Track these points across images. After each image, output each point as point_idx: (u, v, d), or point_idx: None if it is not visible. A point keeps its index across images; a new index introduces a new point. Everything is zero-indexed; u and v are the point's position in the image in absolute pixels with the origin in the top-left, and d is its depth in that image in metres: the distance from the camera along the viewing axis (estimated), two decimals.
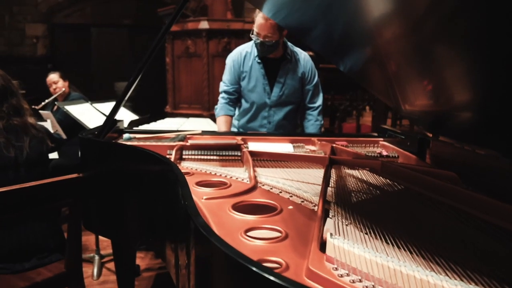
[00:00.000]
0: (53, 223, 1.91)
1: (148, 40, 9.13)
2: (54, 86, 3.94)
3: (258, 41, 2.42)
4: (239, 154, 1.78)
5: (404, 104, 1.85)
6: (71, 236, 1.75)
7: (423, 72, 1.55)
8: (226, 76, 2.61)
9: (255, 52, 2.56)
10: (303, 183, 1.39)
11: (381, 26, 1.43)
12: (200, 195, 1.15)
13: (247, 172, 1.55)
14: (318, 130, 2.68)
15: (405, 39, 1.42)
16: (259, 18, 2.36)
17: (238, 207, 1.08)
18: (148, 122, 3.33)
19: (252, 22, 6.31)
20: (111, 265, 2.80)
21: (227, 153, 1.77)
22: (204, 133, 2.13)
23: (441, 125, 1.79)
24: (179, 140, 1.92)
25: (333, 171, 1.48)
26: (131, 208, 1.51)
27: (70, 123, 3.45)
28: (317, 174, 1.52)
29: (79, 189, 1.69)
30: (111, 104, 3.33)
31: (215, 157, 1.76)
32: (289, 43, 2.59)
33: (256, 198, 1.17)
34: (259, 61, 2.54)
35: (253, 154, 1.59)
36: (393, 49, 1.57)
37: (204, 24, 5.79)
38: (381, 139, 2.21)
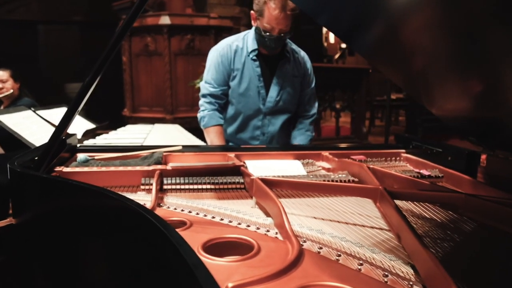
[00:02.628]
0: None
1: (102, 38, 8.41)
2: (1, 85, 3.29)
3: (272, 37, 1.92)
4: (240, 180, 1.30)
5: (431, 108, 1.46)
6: None
7: (463, 69, 1.17)
8: (212, 74, 2.08)
9: (248, 46, 2.06)
10: (347, 226, 0.94)
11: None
12: (221, 278, 0.66)
13: (258, 209, 1.08)
14: (308, 142, 2.24)
15: (443, 29, 1.03)
16: (273, 9, 1.85)
17: None
18: (106, 131, 2.79)
19: (219, 18, 5.74)
20: None
21: (224, 180, 1.29)
22: (186, 148, 1.63)
23: (494, 135, 1.41)
24: (156, 162, 1.42)
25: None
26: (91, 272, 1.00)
27: (7, 134, 2.84)
28: (355, 209, 1.08)
29: (12, 241, 1.15)
30: (59, 111, 2.77)
31: (209, 186, 1.27)
32: (288, 40, 2.12)
33: (319, 279, 0.70)
34: (254, 58, 2.05)
35: (268, 183, 1.11)
36: (423, 41, 1.17)
37: (165, 19, 5.24)
38: (403, 150, 1.80)
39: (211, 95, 2.08)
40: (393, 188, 1.06)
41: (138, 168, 1.33)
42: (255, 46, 2.04)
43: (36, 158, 1.18)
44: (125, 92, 6.09)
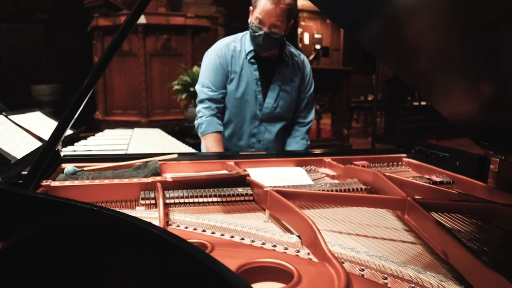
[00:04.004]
0: None
1: (68, 37, 8.10)
2: None
3: (261, 32, 1.82)
4: (248, 192, 1.20)
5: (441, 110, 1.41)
6: None
7: (474, 70, 1.12)
8: (209, 77, 1.95)
9: (246, 48, 1.95)
10: (377, 241, 0.86)
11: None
12: None
13: (272, 223, 0.99)
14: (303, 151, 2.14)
15: (449, 31, 0.99)
16: (265, 1, 1.76)
17: None
18: (84, 136, 2.63)
19: (196, 17, 5.62)
20: None
21: (231, 193, 1.19)
22: (181, 156, 1.52)
23: (507, 139, 1.36)
24: (153, 173, 1.30)
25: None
26: None
27: None
28: (376, 221, 1.01)
29: None
30: (33, 115, 2.58)
31: (215, 199, 1.17)
32: (287, 42, 2.03)
33: None
34: (252, 60, 1.94)
35: (285, 195, 1.02)
36: (433, 40, 1.12)
37: (140, 19, 5.05)
38: (404, 155, 1.75)
39: (210, 99, 1.95)
40: (421, 198, 0.99)
41: (135, 180, 1.21)
42: (252, 47, 1.94)
43: (23, 172, 1.05)
44: (96, 94, 5.86)
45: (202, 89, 1.98)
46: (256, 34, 1.83)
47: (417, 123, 6.39)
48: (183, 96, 4.58)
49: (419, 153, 1.72)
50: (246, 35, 1.98)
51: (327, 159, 1.62)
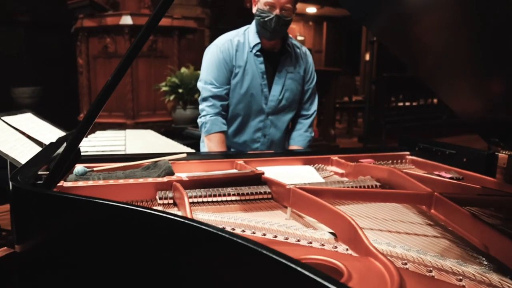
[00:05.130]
0: None
1: (49, 39, 7.94)
2: None
3: (272, 15, 1.80)
4: (266, 190, 1.19)
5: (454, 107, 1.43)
6: None
7: (486, 69, 1.15)
8: (213, 73, 1.91)
9: (250, 41, 1.93)
10: (409, 236, 0.86)
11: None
12: None
13: (293, 220, 0.99)
14: (306, 144, 2.14)
15: (459, 29, 1.01)
16: None
17: None
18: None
19: (183, 18, 5.55)
20: None
21: (250, 191, 1.17)
22: (190, 156, 1.50)
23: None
24: (167, 173, 1.28)
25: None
26: None
27: None
28: (398, 216, 1.01)
29: (14, 272, 0.97)
30: (25, 117, 2.51)
31: (234, 198, 1.15)
32: (289, 36, 2.03)
33: None
34: (258, 53, 1.92)
35: (310, 193, 1.01)
36: (439, 40, 1.15)
37: (126, 20, 5.00)
38: (407, 153, 1.76)
39: (214, 96, 1.92)
40: (449, 193, 1.00)
41: (150, 180, 1.18)
42: (258, 40, 1.92)
43: (38, 172, 1.01)
44: (81, 96, 5.75)
45: (205, 86, 1.94)
46: (267, 18, 1.81)
47: (402, 123, 6.50)
48: (171, 97, 4.53)
49: (423, 151, 1.74)
50: (248, 29, 1.97)
51: (334, 157, 1.62)
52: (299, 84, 2.04)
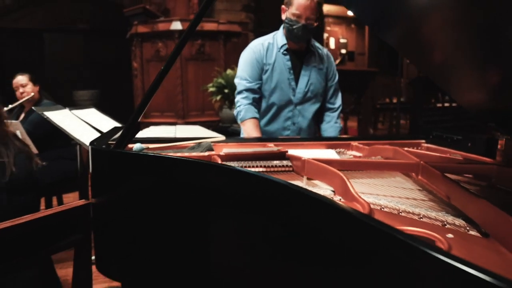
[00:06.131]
0: (48, 268, 1.47)
1: (105, 45, 8.59)
2: (21, 89, 3.33)
3: (299, 25, 2.11)
4: (288, 164, 1.45)
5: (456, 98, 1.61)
6: (79, 285, 1.34)
7: (486, 62, 1.31)
8: (247, 71, 2.26)
9: (278, 43, 2.27)
10: (408, 200, 1.08)
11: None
12: None
13: (313, 187, 1.23)
14: (338, 134, 2.41)
15: (461, 26, 1.18)
16: None
17: None
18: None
19: (228, 23, 5.90)
20: None
21: (274, 164, 1.44)
22: (227, 139, 1.78)
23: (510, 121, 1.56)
24: (208, 149, 1.57)
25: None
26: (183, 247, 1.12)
27: (41, 134, 2.97)
28: (403, 184, 1.23)
29: (88, 221, 1.28)
30: (90, 111, 2.90)
31: (262, 169, 1.42)
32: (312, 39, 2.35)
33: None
34: (285, 52, 2.25)
35: (320, 161, 1.26)
36: (446, 35, 1.32)
37: (176, 25, 5.39)
38: (423, 141, 1.95)
39: (248, 89, 2.24)
40: (432, 162, 1.22)
41: (194, 154, 1.48)
42: (284, 41, 2.24)
43: (109, 142, 1.33)
44: (135, 97, 6.22)
45: (241, 81, 2.27)
46: (294, 27, 2.12)
47: (441, 123, 6.51)
48: (218, 97, 4.86)
49: (436, 138, 1.92)
50: (277, 33, 2.29)
51: (354, 143, 1.85)
52: (323, 79, 2.33)
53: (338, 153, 1.78)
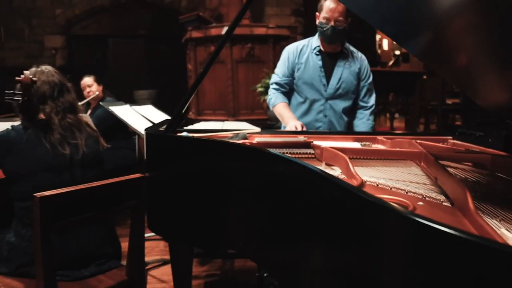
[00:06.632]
0: (110, 227, 1.80)
1: (163, 49, 9.14)
2: (88, 89, 3.83)
3: (328, 26, 2.33)
4: (311, 151, 1.65)
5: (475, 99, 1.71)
6: (134, 242, 1.63)
7: (504, 64, 1.40)
8: (280, 68, 2.58)
9: (312, 45, 2.52)
10: (405, 182, 1.25)
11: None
12: None
13: (329, 169, 1.42)
14: (370, 130, 2.58)
15: (483, 30, 1.28)
16: (329, 2, 2.32)
17: None
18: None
19: (277, 27, 6.15)
20: (156, 272, 2.67)
21: (299, 151, 1.64)
22: (263, 131, 2.01)
23: None
24: (243, 138, 1.80)
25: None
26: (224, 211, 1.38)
27: (105, 128, 3.35)
28: (413, 172, 1.39)
29: (143, 190, 1.58)
30: (148, 108, 3.24)
31: (289, 156, 1.63)
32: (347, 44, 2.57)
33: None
34: (317, 53, 2.50)
35: (335, 149, 1.45)
36: (467, 41, 1.42)
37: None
38: (450, 137, 2.07)
39: (276, 83, 2.57)
40: (433, 152, 1.37)
41: (230, 141, 1.71)
42: (318, 44, 2.50)
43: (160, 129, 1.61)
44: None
45: (273, 76, 2.63)
46: (325, 28, 2.35)
47: (492, 124, 6.33)
48: (266, 97, 5.10)
49: (462, 135, 2.03)
50: (312, 38, 2.56)
51: (380, 137, 2.00)
52: (354, 79, 2.52)
53: (363, 146, 1.94)
